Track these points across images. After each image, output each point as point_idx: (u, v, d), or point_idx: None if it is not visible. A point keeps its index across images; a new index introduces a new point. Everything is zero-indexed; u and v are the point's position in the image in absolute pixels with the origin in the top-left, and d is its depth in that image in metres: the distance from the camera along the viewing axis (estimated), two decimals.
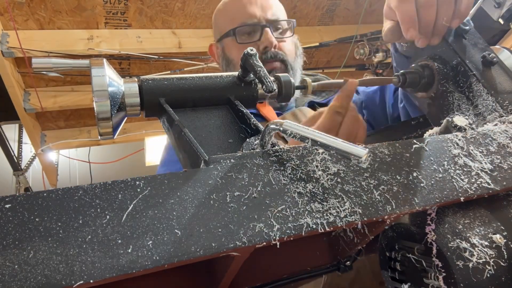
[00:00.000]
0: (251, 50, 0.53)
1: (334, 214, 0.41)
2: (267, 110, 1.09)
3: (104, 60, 0.50)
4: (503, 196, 0.54)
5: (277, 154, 0.44)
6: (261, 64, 0.52)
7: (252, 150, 0.47)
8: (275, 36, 1.04)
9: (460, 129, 0.58)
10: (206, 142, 0.51)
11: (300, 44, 1.23)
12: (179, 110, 0.54)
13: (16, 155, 3.89)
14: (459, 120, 0.60)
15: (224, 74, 0.59)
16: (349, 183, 0.44)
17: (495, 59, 0.71)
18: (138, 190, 0.37)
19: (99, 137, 0.51)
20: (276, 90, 0.58)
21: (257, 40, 1.03)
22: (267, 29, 1.02)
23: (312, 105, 1.14)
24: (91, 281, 0.31)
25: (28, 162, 4.08)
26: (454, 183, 0.49)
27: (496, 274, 0.45)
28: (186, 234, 0.35)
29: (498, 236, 0.48)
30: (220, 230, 0.36)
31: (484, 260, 0.46)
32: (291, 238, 0.38)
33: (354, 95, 0.69)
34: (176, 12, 2.86)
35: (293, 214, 0.39)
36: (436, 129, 0.62)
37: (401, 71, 0.76)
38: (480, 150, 0.53)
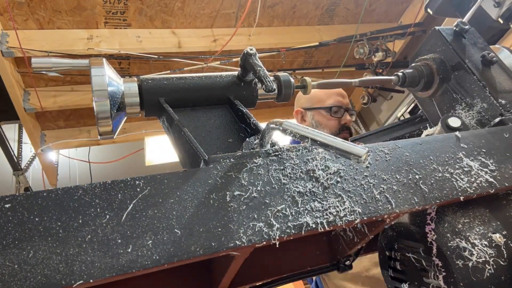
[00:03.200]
0: (251, 49, 0.53)
1: (334, 214, 0.41)
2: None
3: (104, 60, 0.50)
4: (503, 196, 0.54)
5: (276, 153, 0.44)
6: (260, 64, 0.52)
7: (252, 150, 0.47)
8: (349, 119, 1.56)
9: (454, 129, 0.58)
10: (205, 142, 0.51)
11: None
12: (178, 109, 0.54)
13: (16, 155, 3.88)
14: (453, 121, 0.60)
15: (224, 73, 0.58)
16: (348, 182, 0.44)
17: (494, 59, 0.71)
18: (138, 189, 0.37)
19: (99, 136, 0.51)
20: (276, 89, 0.58)
21: (340, 117, 1.52)
22: (347, 113, 1.53)
23: None
24: (91, 280, 0.31)
25: (28, 162, 4.08)
26: (454, 182, 0.49)
27: (496, 273, 0.45)
28: (186, 234, 0.35)
29: (497, 235, 0.48)
30: (220, 229, 0.36)
31: (484, 259, 0.46)
32: (291, 238, 0.38)
33: None
34: (175, 11, 2.86)
35: (293, 213, 0.39)
36: (433, 129, 0.62)
37: (401, 71, 0.76)
38: (479, 150, 0.53)
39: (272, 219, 0.38)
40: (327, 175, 0.44)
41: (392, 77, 0.75)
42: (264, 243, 0.37)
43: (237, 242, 0.36)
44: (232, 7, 2.98)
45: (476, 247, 0.46)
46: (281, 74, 0.59)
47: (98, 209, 0.35)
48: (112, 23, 2.87)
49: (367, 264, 1.17)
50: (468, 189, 0.48)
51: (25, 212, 0.33)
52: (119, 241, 0.33)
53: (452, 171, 0.50)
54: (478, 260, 0.46)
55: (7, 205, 0.33)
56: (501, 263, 0.46)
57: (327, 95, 1.57)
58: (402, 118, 3.73)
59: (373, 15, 3.59)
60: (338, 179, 0.44)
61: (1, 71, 2.64)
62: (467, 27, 0.74)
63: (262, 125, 0.50)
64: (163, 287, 0.49)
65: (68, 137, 3.65)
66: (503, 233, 0.48)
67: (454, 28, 0.75)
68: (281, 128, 0.43)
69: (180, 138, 0.50)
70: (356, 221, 0.41)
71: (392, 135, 0.90)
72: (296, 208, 0.40)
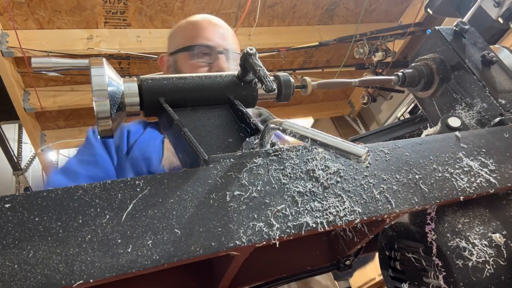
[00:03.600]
0: (251, 49, 0.53)
1: (333, 213, 0.41)
2: None
3: (104, 59, 0.50)
4: (503, 195, 0.54)
5: (276, 153, 0.44)
6: (260, 64, 0.52)
7: (251, 150, 0.47)
8: (228, 65, 1.13)
9: (454, 129, 0.58)
10: (205, 142, 0.51)
11: None
12: (178, 109, 0.54)
13: (16, 154, 3.89)
14: (453, 121, 0.60)
15: (224, 73, 0.58)
16: (348, 182, 0.44)
17: (494, 58, 0.71)
18: (138, 189, 0.37)
19: (99, 137, 0.51)
20: (276, 89, 0.58)
21: (211, 63, 1.11)
22: (222, 55, 1.11)
23: None
24: (91, 280, 0.31)
25: (28, 162, 4.08)
26: (454, 182, 0.49)
27: (496, 273, 0.45)
28: (186, 234, 0.35)
29: (497, 235, 0.48)
30: (220, 229, 0.36)
31: (483, 259, 0.46)
32: (291, 238, 0.38)
33: None
34: (175, 11, 2.86)
35: (293, 213, 0.39)
36: (433, 129, 0.62)
37: (401, 70, 0.76)
38: (479, 150, 0.53)
39: (272, 219, 0.38)
40: (327, 175, 0.44)
41: (392, 77, 0.75)
42: (264, 243, 0.37)
43: (237, 242, 0.36)
44: (232, 7, 2.98)
45: (476, 247, 0.46)
46: (281, 74, 0.59)
47: (98, 209, 0.35)
48: (112, 23, 2.87)
49: None
50: (468, 189, 0.48)
51: (25, 212, 0.33)
52: (119, 241, 0.33)
53: (452, 171, 0.50)
54: (478, 260, 0.46)
55: (7, 205, 0.33)
56: (501, 263, 0.46)
57: (195, 32, 1.15)
58: (402, 118, 3.73)
59: (373, 15, 3.59)
60: (338, 179, 0.44)
61: (1, 71, 2.64)
62: (467, 27, 0.74)
63: (262, 125, 0.50)
64: (163, 287, 0.49)
65: (68, 137, 3.66)
66: (503, 233, 0.48)
67: (454, 28, 0.75)
68: (281, 128, 0.43)
69: (180, 138, 0.50)
70: (356, 221, 0.41)
71: (392, 135, 0.90)
72: (296, 208, 0.40)
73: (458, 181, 0.49)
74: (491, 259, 0.46)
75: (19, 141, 3.97)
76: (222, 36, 1.15)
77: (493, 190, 0.49)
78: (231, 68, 1.15)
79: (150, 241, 0.34)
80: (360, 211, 0.42)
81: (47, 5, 2.54)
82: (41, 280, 0.30)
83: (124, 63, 3.16)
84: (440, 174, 0.49)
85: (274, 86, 0.52)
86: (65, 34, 2.74)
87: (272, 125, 0.45)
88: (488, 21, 1.08)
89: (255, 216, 0.38)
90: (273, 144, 0.49)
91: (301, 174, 0.43)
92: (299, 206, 0.40)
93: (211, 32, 1.14)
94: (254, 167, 0.42)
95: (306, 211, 0.40)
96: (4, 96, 2.85)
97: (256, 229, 0.37)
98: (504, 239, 0.48)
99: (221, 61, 1.11)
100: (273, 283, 0.54)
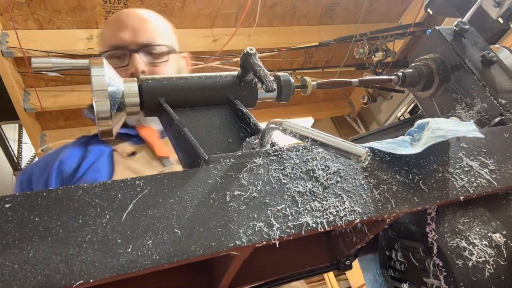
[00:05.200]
0: (251, 49, 0.53)
1: (333, 213, 0.41)
2: (148, 132, 1.03)
3: (104, 59, 0.50)
4: (503, 195, 0.54)
5: (276, 153, 0.44)
6: (260, 64, 0.52)
7: (251, 150, 0.47)
8: (148, 61, 0.99)
9: None
10: (205, 142, 0.51)
11: (188, 65, 1.15)
12: (178, 109, 0.54)
13: (16, 155, 3.89)
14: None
15: (224, 73, 0.59)
16: (348, 182, 0.44)
17: (494, 58, 0.71)
18: (138, 189, 0.37)
19: (99, 137, 0.51)
20: (276, 89, 0.58)
21: (126, 65, 0.97)
22: (135, 54, 0.97)
23: None
24: (91, 280, 0.31)
25: (28, 162, 4.08)
26: (454, 182, 0.49)
27: (496, 273, 0.45)
28: (186, 234, 0.35)
29: (497, 235, 0.48)
30: (220, 229, 0.36)
31: (483, 259, 0.46)
32: (291, 237, 0.38)
33: None
34: (175, 11, 2.86)
35: (293, 213, 0.39)
36: None
37: (401, 70, 0.76)
38: (479, 150, 0.53)
39: (272, 219, 0.38)
40: (327, 175, 0.44)
41: (392, 77, 0.75)
42: (264, 243, 0.37)
43: (237, 242, 0.36)
44: (232, 7, 2.98)
45: (476, 247, 0.46)
46: (281, 74, 0.59)
47: (98, 209, 0.35)
48: None
49: None
50: (468, 189, 0.48)
51: (25, 212, 0.33)
52: (119, 241, 0.33)
53: (452, 171, 0.50)
54: (478, 260, 0.46)
55: (7, 205, 0.33)
56: (501, 263, 0.46)
57: (107, 36, 1.02)
58: (402, 118, 3.72)
59: (373, 15, 3.59)
60: (338, 179, 0.44)
61: (1, 71, 2.64)
62: (467, 27, 0.74)
63: (262, 125, 0.50)
64: (163, 287, 0.49)
65: (68, 137, 3.65)
66: (503, 232, 0.48)
67: (454, 28, 0.75)
68: (281, 128, 0.43)
69: (180, 138, 0.50)
70: (356, 221, 0.41)
71: (392, 135, 0.90)
72: (296, 208, 0.40)
73: (458, 181, 0.49)
74: (491, 259, 0.46)
75: (19, 141, 3.97)
76: (133, 31, 0.98)
77: (493, 190, 0.49)
78: (165, 64, 1.00)
79: (150, 241, 0.34)
80: (360, 211, 0.42)
81: (47, 5, 2.54)
82: (41, 280, 0.30)
83: None
84: (440, 174, 0.49)
85: (274, 86, 0.52)
86: (66, 34, 2.74)
87: (272, 125, 0.45)
88: (488, 21, 1.08)
89: (255, 216, 0.38)
90: (273, 144, 0.49)
91: (301, 174, 0.43)
92: (299, 206, 0.40)
93: (119, 30, 0.98)
94: (254, 167, 0.42)
95: (306, 211, 0.40)
96: (4, 96, 2.85)
97: (256, 229, 0.37)
98: (504, 239, 0.48)
99: (135, 61, 0.95)
100: (273, 283, 0.54)
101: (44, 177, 0.96)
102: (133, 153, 0.99)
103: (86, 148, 1.01)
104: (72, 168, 0.95)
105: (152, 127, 1.07)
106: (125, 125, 1.05)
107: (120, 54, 0.99)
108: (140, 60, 0.97)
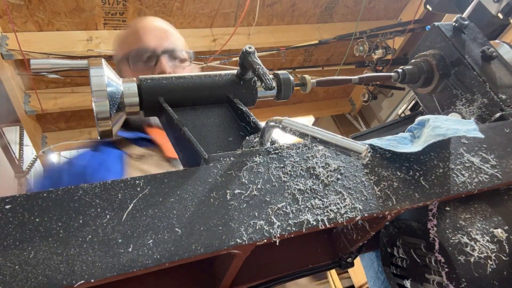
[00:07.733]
0: (249, 47, 0.53)
1: (334, 211, 0.41)
2: (157, 134, 1.05)
3: (103, 60, 0.50)
4: (504, 191, 0.54)
5: (277, 151, 0.44)
6: (259, 62, 0.52)
7: (252, 148, 0.47)
8: (173, 65, 1.07)
9: None
10: (205, 141, 0.51)
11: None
12: (178, 109, 0.54)
13: (18, 157, 3.89)
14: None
15: (223, 72, 0.58)
16: (349, 179, 0.44)
17: (494, 54, 0.71)
18: (138, 189, 0.37)
19: (98, 137, 0.51)
20: (275, 87, 0.58)
21: (154, 65, 1.04)
22: (162, 57, 1.04)
23: None
24: (92, 280, 0.31)
25: (30, 164, 4.09)
26: (455, 178, 0.48)
27: (498, 268, 0.45)
28: (187, 233, 0.35)
29: (499, 230, 0.48)
30: (220, 228, 0.36)
31: (485, 254, 0.46)
32: (292, 235, 0.38)
33: None
34: (175, 12, 2.86)
35: (294, 211, 0.39)
36: None
37: (401, 67, 0.76)
38: (480, 145, 0.53)
39: (272, 217, 0.38)
40: (327, 172, 0.44)
41: (392, 74, 0.75)
42: (265, 241, 0.37)
43: (238, 240, 0.36)
44: (231, 6, 2.98)
45: (478, 243, 0.46)
46: (280, 72, 0.59)
47: (99, 209, 0.35)
48: (111, 24, 2.87)
49: None
50: (469, 185, 0.48)
51: (25, 213, 0.33)
52: (120, 240, 0.33)
53: (453, 166, 0.50)
54: (480, 255, 0.45)
55: (7, 206, 0.33)
56: (503, 258, 0.46)
57: (131, 41, 1.08)
58: (403, 115, 3.72)
59: (372, 13, 3.59)
60: (339, 176, 0.44)
61: (1, 73, 2.64)
62: (466, 22, 0.74)
63: (262, 123, 0.50)
64: (164, 287, 0.49)
65: (69, 138, 3.66)
66: (505, 228, 0.48)
67: (454, 23, 0.75)
68: (280, 126, 0.43)
69: (180, 138, 0.49)
70: (357, 218, 0.41)
71: (393, 132, 0.90)
72: (296, 206, 0.40)
73: (459, 177, 0.49)
74: (493, 254, 0.46)
75: (20, 144, 3.97)
76: (158, 37, 1.07)
77: (494, 185, 0.49)
78: (186, 68, 1.09)
79: (151, 241, 0.34)
80: (361, 208, 0.42)
81: (46, 7, 2.55)
82: (42, 280, 0.30)
83: None
84: (441, 170, 0.49)
85: (274, 84, 0.52)
86: (65, 36, 2.74)
87: (271, 123, 0.45)
88: (488, 17, 1.07)
89: (256, 214, 0.38)
90: (273, 142, 0.48)
91: (301, 171, 0.43)
92: (300, 203, 0.40)
93: (145, 37, 1.07)
94: (254, 166, 0.42)
95: (307, 208, 0.40)
96: (4, 98, 2.86)
97: (257, 227, 0.37)
98: (506, 234, 0.47)
99: (162, 64, 1.03)
100: (274, 281, 0.54)
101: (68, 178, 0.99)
102: (143, 155, 1.00)
103: (96, 148, 1.05)
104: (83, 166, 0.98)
105: (160, 128, 1.09)
106: (134, 129, 1.08)
107: (146, 58, 1.04)
108: (167, 63, 1.03)
